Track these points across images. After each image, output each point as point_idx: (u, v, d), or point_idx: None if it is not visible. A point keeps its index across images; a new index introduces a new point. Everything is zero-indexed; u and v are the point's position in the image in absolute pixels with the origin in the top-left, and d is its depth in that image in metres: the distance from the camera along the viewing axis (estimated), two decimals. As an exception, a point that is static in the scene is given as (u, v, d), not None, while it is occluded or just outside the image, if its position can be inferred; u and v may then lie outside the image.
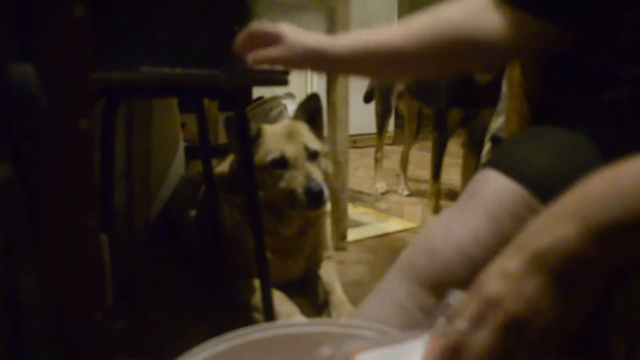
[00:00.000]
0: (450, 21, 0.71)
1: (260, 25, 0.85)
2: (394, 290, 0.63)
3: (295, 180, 1.38)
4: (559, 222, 0.42)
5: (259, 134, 1.45)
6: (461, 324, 0.43)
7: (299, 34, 0.81)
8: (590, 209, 0.41)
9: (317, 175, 1.40)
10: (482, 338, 0.42)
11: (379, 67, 0.80)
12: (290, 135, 1.44)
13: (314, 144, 1.45)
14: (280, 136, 1.44)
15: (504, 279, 0.43)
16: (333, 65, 0.83)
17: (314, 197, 1.36)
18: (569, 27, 0.65)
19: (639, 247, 0.42)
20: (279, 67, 0.89)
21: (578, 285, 0.42)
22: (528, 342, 0.42)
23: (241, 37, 0.86)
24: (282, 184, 1.40)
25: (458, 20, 0.71)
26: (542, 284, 0.42)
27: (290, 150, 1.41)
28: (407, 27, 0.74)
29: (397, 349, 0.46)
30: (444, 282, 0.59)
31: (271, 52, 0.83)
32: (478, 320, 0.43)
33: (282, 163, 1.40)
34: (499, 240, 0.56)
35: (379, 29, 0.77)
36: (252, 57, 0.84)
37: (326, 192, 1.39)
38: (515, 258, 0.44)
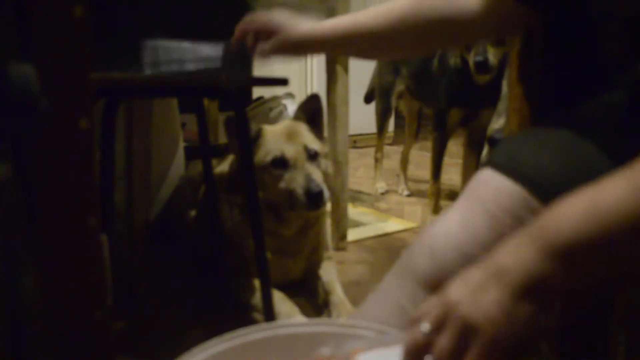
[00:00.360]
0: (426, 1, 0.73)
1: (256, 17, 0.88)
2: (394, 290, 0.63)
3: (295, 180, 1.38)
4: (525, 243, 0.46)
5: (259, 134, 1.44)
6: (424, 326, 0.47)
7: (292, 22, 0.85)
8: (554, 231, 0.45)
9: (317, 175, 1.40)
10: (441, 340, 0.46)
11: (358, 46, 0.85)
12: (290, 135, 1.44)
13: (314, 144, 1.45)
14: (280, 136, 1.44)
15: (465, 286, 0.47)
16: (320, 47, 0.90)
17: (314, 198, 1.36)
18: (545, 11, 0.66)
19: (597, 270, 0.45)
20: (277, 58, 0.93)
21: (535, 301, 0.45)
22: (481, 348, 0.45)
23: (239, 29, 0.89)
24: (282, 185, 1.40)
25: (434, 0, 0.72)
26: (499, 296, 0.45)
27: (290, 151, 1.40)
28: (385, 8, 0.77)
29: (397, 349, 0.47)
30: (444, 282, 0.58)
31: (271, 44, 0.87)
32: (439, 323, 0.47)
33: (282, 163, 1.40)
34: (499, 240, 0.56)
35: (362, 11, 0.81)
36: (257, 52, 0.88)
37: (326, 193, 1.39)
38: (481, 269, 0.48)
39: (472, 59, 2.01)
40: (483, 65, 1.98)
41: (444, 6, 0.72)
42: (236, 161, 1.55)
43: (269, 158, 1.41)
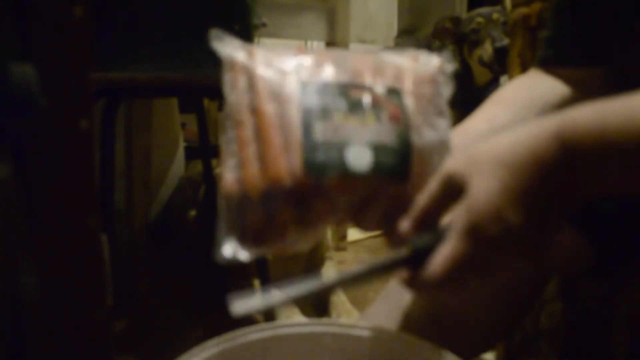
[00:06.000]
0: (536, 102, 0.68)
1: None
2: (400, 294, 0.62)
3: None
4: (543, 136, 0.42)
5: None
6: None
7: None
8: (571, 131, 0.41)
9: None
10: (449, 243, 0.43)
11: None
12: None
13: None
14: None
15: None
16: None
17: None
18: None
19: (612, 175, 0.42)
20: None
21: (545, 199, 0.42)
22: (487, 247, 0.42)
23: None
24: None
25: (540, 100, 0.68)
26: (509, 193, 0.42)
27: None
28: (506, 104, 0.71)
29: None
30: None
31: None
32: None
33: None
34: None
35: (485, 116, 0.73)
36: None
37: None
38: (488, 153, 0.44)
39: (488, 50, 1.98)
40: (504, 51, 1.92)
41: (550, 96, 0.68)
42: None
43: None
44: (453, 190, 0.44)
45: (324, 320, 1.36)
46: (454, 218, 0.44)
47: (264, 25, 1.54)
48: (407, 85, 0.50)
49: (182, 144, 2.06)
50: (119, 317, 1.31)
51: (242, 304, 0.42)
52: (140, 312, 1.44)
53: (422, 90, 0.50)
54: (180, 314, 1.43)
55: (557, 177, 0.42)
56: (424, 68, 0.52)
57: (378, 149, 0.46)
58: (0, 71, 0.37)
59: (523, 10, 0.92)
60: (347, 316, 1.36)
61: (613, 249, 0.60)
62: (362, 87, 0.48)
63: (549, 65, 0.68)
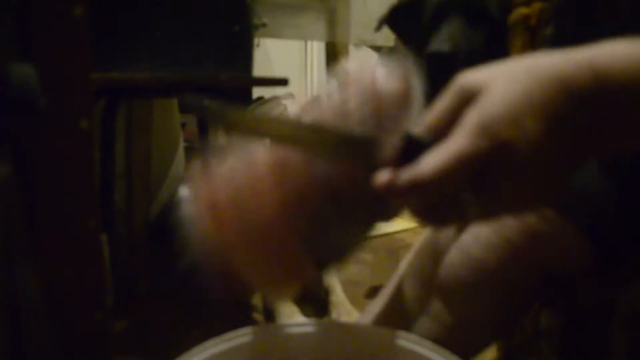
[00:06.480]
0: None
1: None
2: (400, 293, 0.63)
3: None
4: (574, 60, 0.37)
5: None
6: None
7: None
8: (606, 64, 0.36)
9: None
10: (453, 140, 0.36)
11: None
12: None
13: None
14: None
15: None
16: None
17: None
18: None
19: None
20: None
21: (570, 120, 0.36)
22: (498, 153, 0.35)
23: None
24: None
25: None
26: (530, 99, 0.35)
27: None
28: None
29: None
30: (449, 284, 0.58)
31: None
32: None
33: None
34: (501, 240, 0.56)
35: None
36: None
37: None
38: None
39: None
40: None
41: None
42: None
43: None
44: (466, 102, 0.37)
45: (324, 320, 1.36)
46: (463, 119, 0.36)
47: (264, 25, 1.53)
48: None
49: (182, 144, 2.06)
50: (119, 317, 1.31)
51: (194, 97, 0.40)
52: (140, 312, 1.44)
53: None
54: (180, 314, 1.43)
55: (585, 104, 0.36)
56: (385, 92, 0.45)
57: None
58: (0, 71, 0.37)
59: (523, 10, 0.92)
60: (347, 316, 1.36)
61: (613, 248, 0.60)
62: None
63: None
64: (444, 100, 0.39)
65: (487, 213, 0.38)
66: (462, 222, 0.43)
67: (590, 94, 0.35)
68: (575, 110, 0.35)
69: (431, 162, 0.35)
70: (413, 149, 0.36)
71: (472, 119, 0.35)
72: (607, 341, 0.63)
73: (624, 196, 0.55)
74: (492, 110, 0.35)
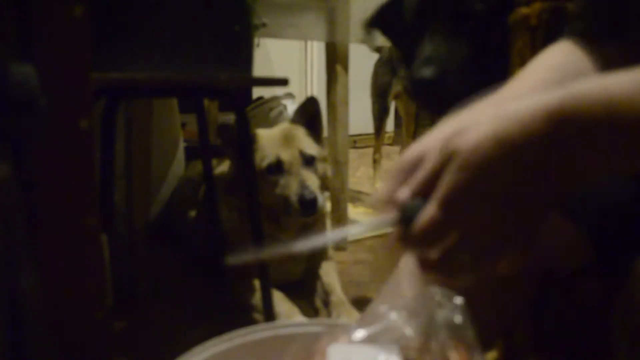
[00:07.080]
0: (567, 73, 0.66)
1: None
2: (399, 293, 0.63)
3: (289, 187, 1.39)
4: (539, 111, 0.41)
5: (253, 139, 1.45)
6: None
7: None
8: (577, 104, 0.40)
9: (313, 181, 1.41)
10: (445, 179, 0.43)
11: None
12: (286, 140, 1.44)
13: (311, 149, 1.46)
14: (275, 141, 1.44)
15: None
16: None
17: (307, 205, 1.36)
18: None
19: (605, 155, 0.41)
20: None
21: (535, 166, 0.42)
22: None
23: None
24: (277, 191, 1.41)
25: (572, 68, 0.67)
26: (503, 152, 0.41)
27: (286, 156, 1.41)
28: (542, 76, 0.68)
29: (374, 348, 0.45)
30: (448, 284, 0.58)
31: None
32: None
33: (277, 168, 1.41)
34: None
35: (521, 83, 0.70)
36: None
37: (320, 200, 1.39)
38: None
39: None
40: None
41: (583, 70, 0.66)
42: (232, 165, 1.55)
43: (264, 164, 1.41)
44: (447, 162, 0.44)
45: (324, 320, 1.36)
46: (439, 184, 0.44)
47: (264, 25, 1.53)
48: None
49: (182, 144, 2.06)
50: (119, 317, 1.31)
51: (235, 257, 0.44)
52: (140, 312, 1.44)
53: None
54: (180, 314, 1.43)
55: (547, 153, 0.41)
56: None
57: None
58: (0, 71, 0.37)
59: (523, 10, 0.92)
60: (347, 316, 1.36)
61: (613, 246, 0.60)
62: None
63: (583, 37, 0.65)
64: (429, 165, 0.46)
65: (478, 261, 0.46)
66: (468, 273, 0.48)
67: (553, 143, 0.41)
68: (540, 158, 0.41)
69: (421, 216, 0.44)
70: (410, 216, 0.46)
71: (438, 193, 0.44)
72: (607, 341, 0.63)
73: (626, 196, 0.55)
74: (464, 153, 0.42)
